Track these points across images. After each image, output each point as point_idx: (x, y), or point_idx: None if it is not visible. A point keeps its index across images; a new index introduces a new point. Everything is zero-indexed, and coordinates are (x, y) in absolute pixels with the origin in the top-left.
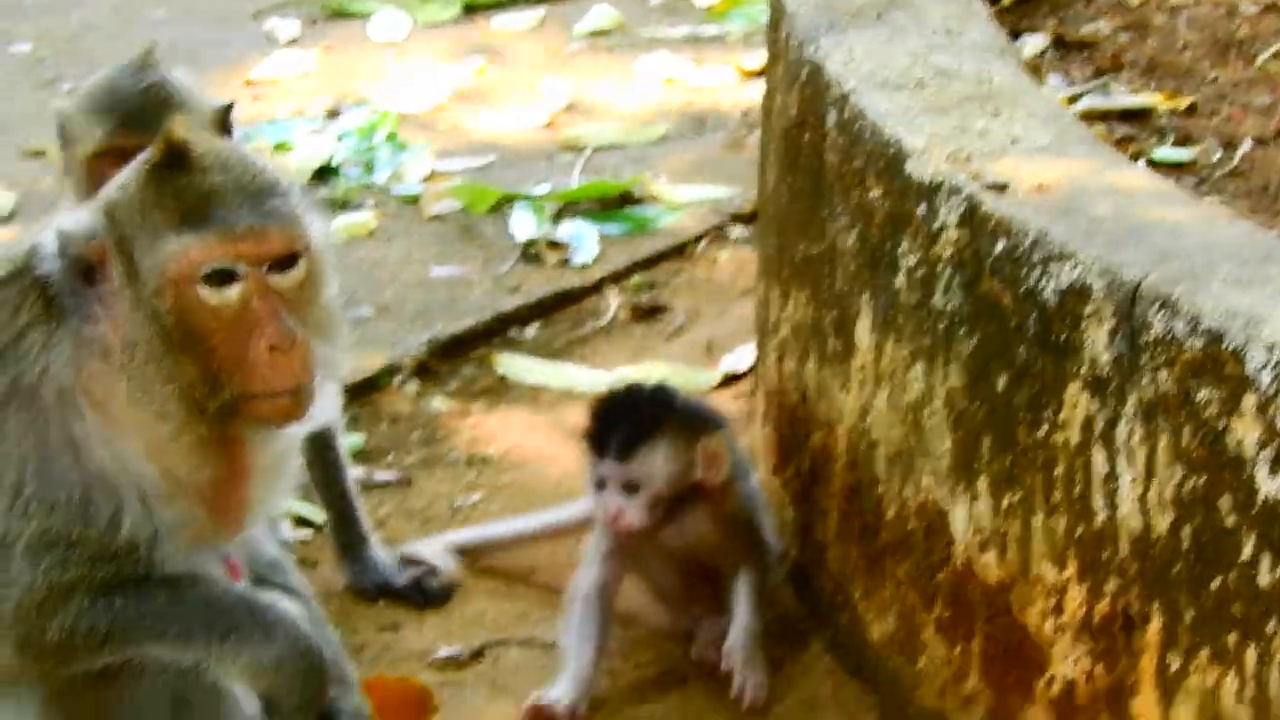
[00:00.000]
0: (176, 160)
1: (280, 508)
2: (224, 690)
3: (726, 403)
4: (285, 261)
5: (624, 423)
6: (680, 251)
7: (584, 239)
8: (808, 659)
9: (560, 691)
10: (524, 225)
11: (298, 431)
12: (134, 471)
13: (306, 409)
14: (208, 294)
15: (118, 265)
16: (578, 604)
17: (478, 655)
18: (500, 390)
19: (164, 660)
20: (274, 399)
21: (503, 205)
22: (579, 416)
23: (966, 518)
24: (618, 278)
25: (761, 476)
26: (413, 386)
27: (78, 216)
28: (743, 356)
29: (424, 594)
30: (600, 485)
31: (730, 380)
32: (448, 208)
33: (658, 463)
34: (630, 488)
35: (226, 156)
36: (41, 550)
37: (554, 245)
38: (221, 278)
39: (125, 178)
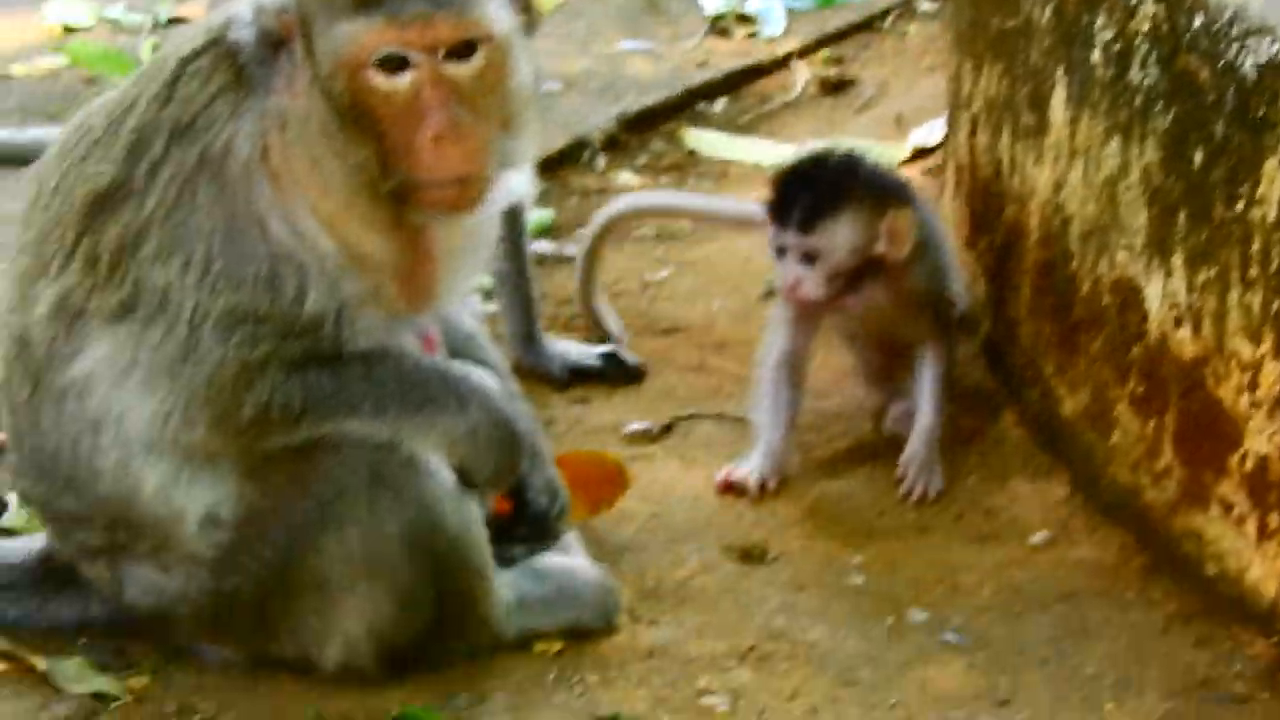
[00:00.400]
0: None
1: (472, 286)
2: (420, 462)
3: (915, 177)
4: (461, 50)
5: (807, 192)
6: (868, 25)
7: (772, 12)
8: (999, 432)
9: (752, 465)
10: None
11: (480, 217)
12: (317, 246)
13: (477, 199)
14: (379, 79)
15: (301, 41)
16: (766, 373)
17: (668, 429)
18: (688, 165)
19: (359, 435)
20: (441, 188)
21: None
22: (766, 192)
23: (1161, 293)
24: (806, 52)
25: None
26: (601, 161)
27: None
28: (932, 130)
29: (621, 368)
30: (780, 253)
31: (919, 154)
32: None
33: (839, 235)
34: (809, 258)
35: None
36: (231, 326)
37: (742, 19)
38: (393, 64)
39: None
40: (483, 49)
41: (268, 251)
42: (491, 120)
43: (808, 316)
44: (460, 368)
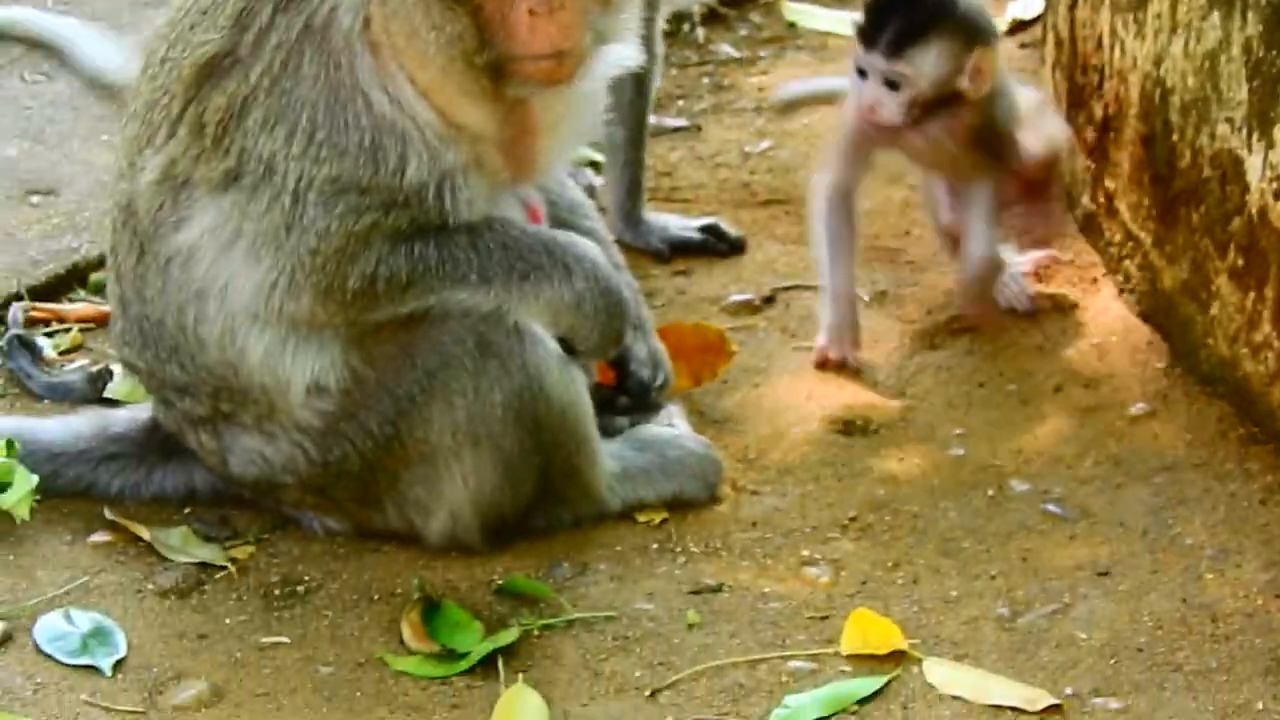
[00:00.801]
0: None
1: (575, 156)
2: (526, 332)
3: (1014, 50)
4: None
5: (901, 16)
6: None
7: None
8: (1099, 304)
9: (823, 338)
10: None
11: (580, 89)
12: (416, 116)
13: (571, 73)
14: None
15: None
16: (820, 205)
17: (769, 300)
18: (787, 37)
19: (465, 305)
20: (535, 61)
21: None
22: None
23: (1262, 166)
24: None
25: None
26: (701, 33)
27: None
28: (1030, 3)
29: (722, 240)
30: (862, 74)
31: (1018, 27)
32: None
33: (926, 63)
34: (892, 83)
35: None
36: (335, 195)
37: None
38: None
39: None
40: None
41: (370, 122)
42: None
43: (864, 147)
44: (566, 237)
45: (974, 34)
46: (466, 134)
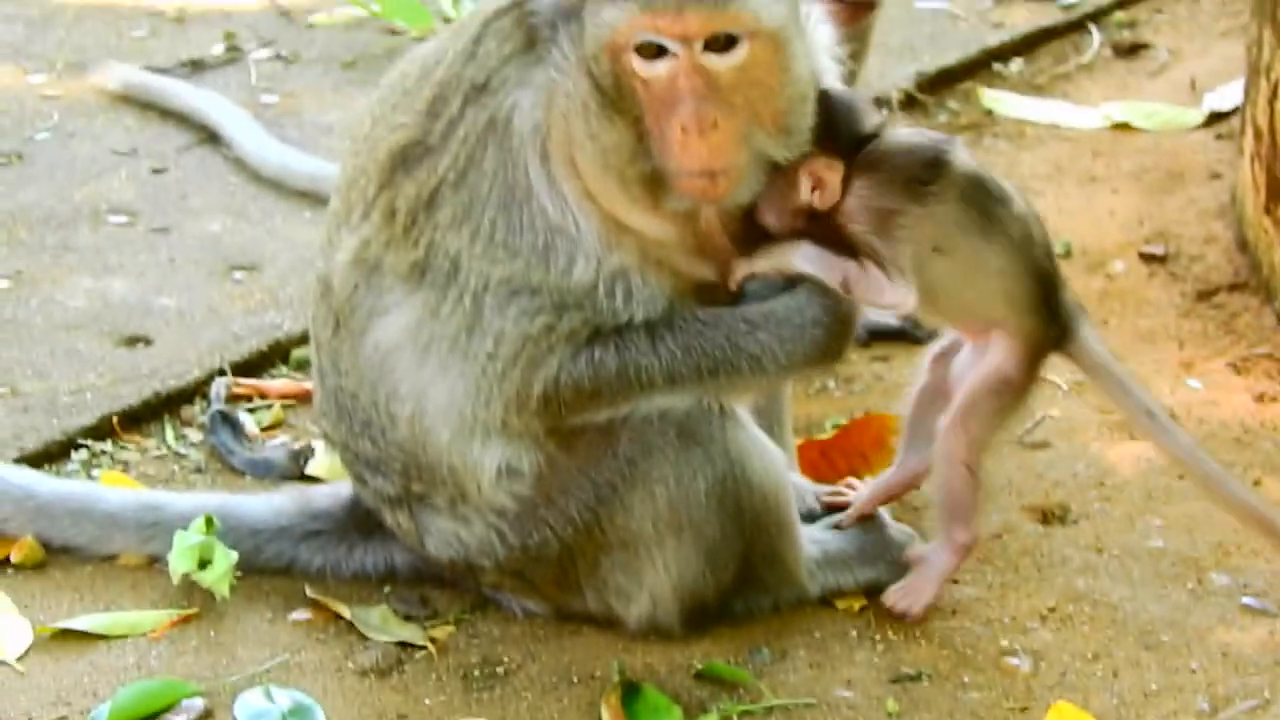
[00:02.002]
0: None
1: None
2: (729, 417)
3: (1209, 141)
4: (720, 43)
5: None
6: None
7: None
8: None
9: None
10: None
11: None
12: (581, 220)
13: (727, 192)
14: (637, 64)
15: (577, 17)
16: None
17: None
18: (985, 124)
19: (659, 406)
20: (689, 177)
21: None
22: (1064, 154)
23: None
24: (1100, 15)
25: (1249, 214)
26: (899, 119)
27: None
28: (1227, 95)
29: (920, 326)
30: None
31: (1214, 119)
32: None
33: None
34: None
35: None
36: (509, 298)
37: None
38: (650, 50)
39: None
40: (747, 42)
41: (542, 223)
42: (755, 114)
43: None
44: (750, 316)
45: None
46: (637, 237)
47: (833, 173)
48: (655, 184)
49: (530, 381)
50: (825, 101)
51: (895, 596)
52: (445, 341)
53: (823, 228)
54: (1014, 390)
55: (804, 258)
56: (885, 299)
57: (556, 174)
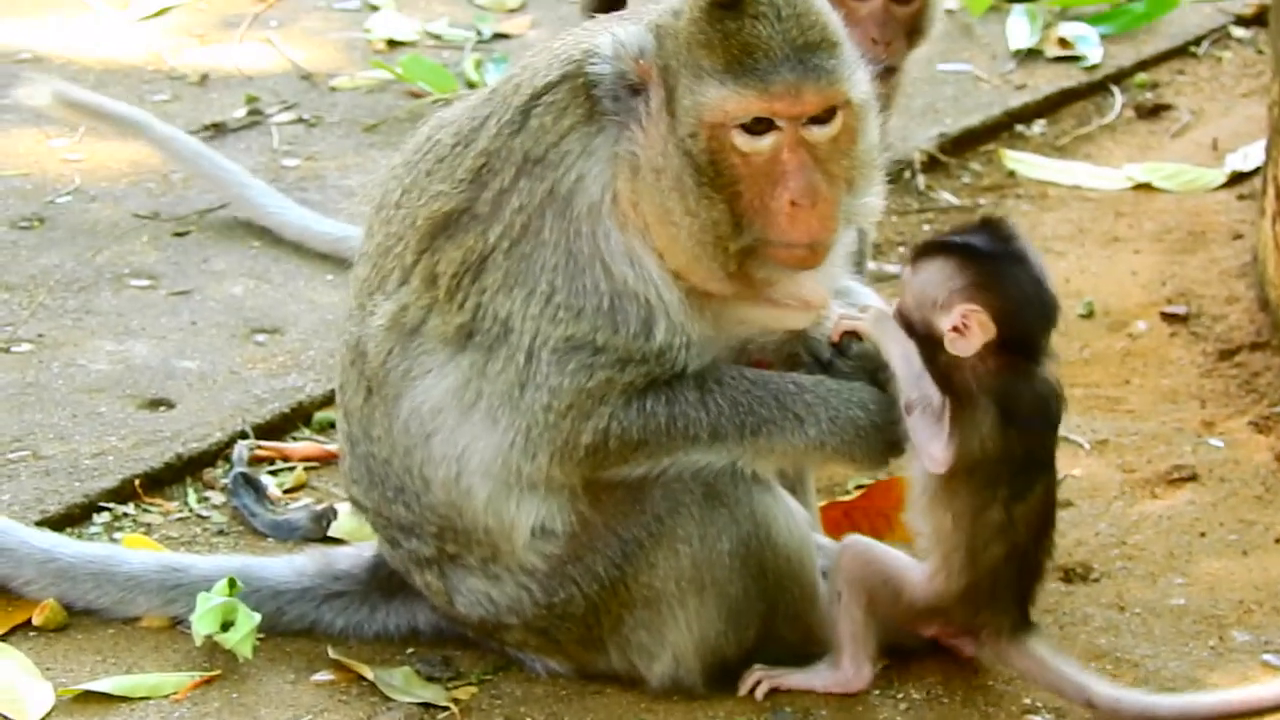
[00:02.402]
0: (732, 1)
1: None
2: (754, 479)
3: (1231, 201)
4: (822, 116)
5: None
6: (1183, 51)
7: (1086, 38)
8: None
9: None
10: (1019, 31)
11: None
12: (662, 291)
13: (823, 259)
14: (741, 141)
15: (659, 90)
16: None
17: None
18: (1008, 186)
19: (699, 464)
20: (791, 249)
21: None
22: (1086, 214)
23: None
24: (1122, 76)
25: (1270, 274)
26: (921, 180)
27: (632, 29)
28: (1249, 155)
29: None
30: None
31: (1237, 179)
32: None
33: None
34: None
35: (782, 3)
36: (568, 353)
37: (1062, 42)
38: (757, 127)
39: (680, 3)
40: (840, 113)
41: (609, 287)
42: (840, 182)
43: None
44: (799, 383)
45: None
46: (707, 303)
47: (984, 335)
48: (747, 255)
49: (580, 431)
50: (1032, 284)
51: (761, 673)
52: (494, 398)
53: (936, 350)
54: (910, 595)
55: (901, 357)
56: (929, 448)
57: (632, 245)
